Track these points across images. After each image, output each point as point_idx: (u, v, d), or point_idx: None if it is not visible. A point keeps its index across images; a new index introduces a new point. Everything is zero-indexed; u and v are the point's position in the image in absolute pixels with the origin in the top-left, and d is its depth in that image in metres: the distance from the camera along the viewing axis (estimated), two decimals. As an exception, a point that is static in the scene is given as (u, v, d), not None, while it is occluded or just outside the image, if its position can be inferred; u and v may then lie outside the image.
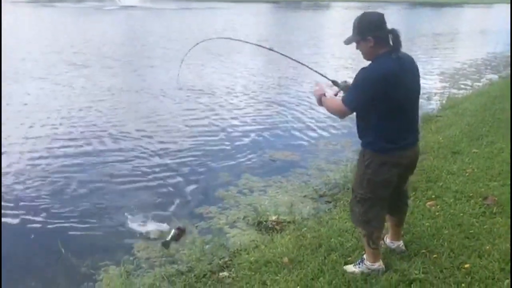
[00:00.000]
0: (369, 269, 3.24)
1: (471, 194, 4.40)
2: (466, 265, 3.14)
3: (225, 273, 3.93)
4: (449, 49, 20.35)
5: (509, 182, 4.58)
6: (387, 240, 3.57)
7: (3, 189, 5.62)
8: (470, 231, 3.66)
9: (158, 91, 11.32)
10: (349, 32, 3.03)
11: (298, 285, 3.24)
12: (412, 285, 3.02)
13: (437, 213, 4.11)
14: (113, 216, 5.09)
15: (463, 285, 2.94)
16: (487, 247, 3.35)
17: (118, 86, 11.81)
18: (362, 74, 2.88)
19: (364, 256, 3.31)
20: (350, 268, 3.32)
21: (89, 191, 5.75)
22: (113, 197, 5.58)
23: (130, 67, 14.81)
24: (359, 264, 3.30)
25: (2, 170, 6.15)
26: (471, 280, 2.98)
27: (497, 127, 6.79)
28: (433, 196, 4.52)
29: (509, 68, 14.93)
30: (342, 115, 3.05)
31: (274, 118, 9.39)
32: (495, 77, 13.51)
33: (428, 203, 4.35)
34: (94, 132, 8.11)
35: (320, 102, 3.22)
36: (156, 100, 10.63)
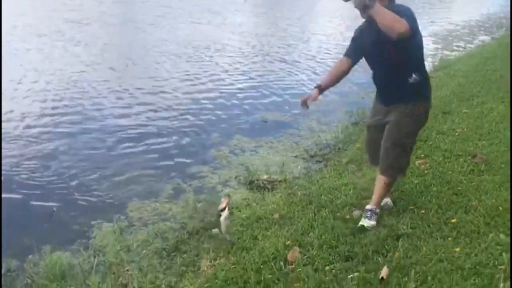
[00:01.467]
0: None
1: (460, 153, 4.45)
2: (453, 220, 3.21)
3: (217, 230, 3.99)
4: (442, 11, 20.14)
5: (497, 142, 4.63)
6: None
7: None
8: (458, 188, 3.72)
9: (155, 48, 11.17)
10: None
11: (288, 239, 3.30)
12: (400, 240, 3.09)
13: (426, 171, 4.17)
14: (105, 177, 5.10)
15: (449, 239, 3.01)
16: (474, 203, 3.42)
17: (115, 43, 11.63)
18: (408, 9, 2.90)
19: (372, 207, 3.35)
20: (370, 223, 3.33)
21: (83, 153, 5.74)
22: (106, 159, 5.58)
23: (130, 24, 14.51)
24: (373, 216, 3.35)
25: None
26: (457, 234, 3.05)
27: (488, 88, 6.81)
28: (422, 155, 4.57)
29: (503, 30, 14.87)
30: (401, 28, 2.71)
31: (266, 78, 9.34)
32: (487, 38, 13.47)
33: (418, 161, 4.41)
34: (89, 91, 8.02)
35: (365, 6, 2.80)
36: (152, 59, 10.49)
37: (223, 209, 3.38)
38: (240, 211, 4.16)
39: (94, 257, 3.65)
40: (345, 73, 3.39)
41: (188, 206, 4.43)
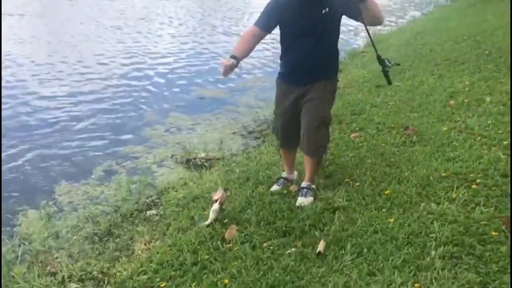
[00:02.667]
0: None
1: (392, 125, 4.54)
2: (387, 192, 3.26)
3: (153, 211, 3.87)
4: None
5: (427, 114, 4.77)
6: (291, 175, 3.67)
7: None
8: (391, 160, 3.79)
9: (86, 22, 10.62)
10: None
11: (226, 218, 3.23)
12: (336, 213, 3.10)
13: (360, 144, 4.22)
14: (31, 159, 4.80)
15: (383, 210, 3.06)
16: (406, 174, 3.49)
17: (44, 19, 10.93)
18: None
19: (307, 184, 3.36)
20: (306, 200, 3.31)
21: (4, 133, 5.34)
22: (31, 139, 5.24)
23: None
24: (308, 192, 3.34)
25: None
26: (391, 205, 3.10)
27: (418, 61, 7.01)
28: (357, 128, 4.63)
29: (431, 6, 15.39)
30: (383, 18, 3.06)
31: (202, 55, 9.13)
32: (418, 13, 13.88)
33: (352, 135, 4.46)
34: (12, 66, 7.49)
35: None
36: (83, 32, 9.96)
37: (215, 201, 3.18)
38: (176, 191, 4.05)
39: (19, 246, 3.42)
40: (257, 42, 3.16)
41: (121, 188, 4.25)
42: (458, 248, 2.56)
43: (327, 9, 2.96)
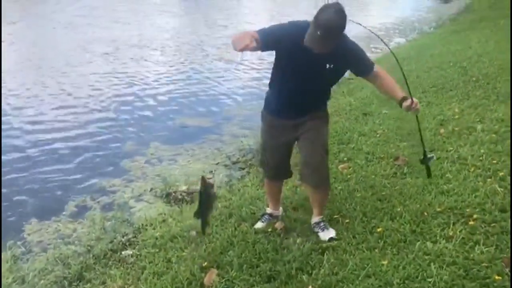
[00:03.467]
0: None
1: (382, 155, 4.35)
2: (379, 229, 3.04)
3: (128, 252, 3.59)
4: (360, 14, 20.73)
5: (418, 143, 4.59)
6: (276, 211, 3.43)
7: None
8: (382, 193, 3.58)
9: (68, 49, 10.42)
10: None
11: (205, 261, 2.97)
12: (325, 253, 2.87)
13: (349, 176, 4.01)
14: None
15: (376, 250, 2.83)
16: (399, 209, 3.28)
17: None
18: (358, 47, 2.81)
19: (320, 218, 3.18)
20: (330, 232, 3.10)
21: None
22: (2, 174, 4.93)
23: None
24: (326, 226, 3.16)
25: None
26: (384, 244, 2.88)
27: (405, 88, 6.86)
28: (345, 159, 4.43)
29: (415, 32, 15.52)
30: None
31: (185, 82, 8.94)
32: (402, 40, 13.93)
33: (340, 166, 4.25)
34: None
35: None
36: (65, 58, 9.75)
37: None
38: (154, 228, 3.79)
39: (-21, 294, 3.12)
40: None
41: (95, 226, 3.98)
42: (459, 295, 2.34)
43: (332, 65, 2.72)
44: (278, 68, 2.86)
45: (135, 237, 3.80)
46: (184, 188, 4.60)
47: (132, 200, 4.49)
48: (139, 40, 12.43)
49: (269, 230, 3.25)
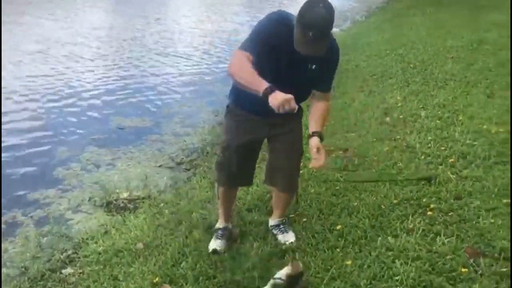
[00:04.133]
0: None
1: (332, 148, 4.26)
2: (338, 227, 2.92)
3: (69, 270, 3.26)
4: (292, 5, 20.85)
5: (365, 133, 4.55)
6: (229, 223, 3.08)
7: None
8: (336, 188, 3.48)
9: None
10: None
11: (156, 276, 2.72)
12: (285, 257, 2.71)
13: (301, 171, 3.86)
14: None
15: (337, 249, 2.70)
16: (355, 204, 3.19)
17: None
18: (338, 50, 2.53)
19: (282, 221, 3.00)
20: (291, 235, 2.91)
21: None
22: None
23: None
24: (289, 226, 2.99)
25: None
26: (345, 243, 2.76)
27: (346, 78, 6.89)
28: (295, 153, 4.29)
29: (348, 22, 15.76)
30: None
31: (122, 80, 8.50)
32: (336, 30, 14.06)
33: (291, 161, 4.11)
34: None
35: None
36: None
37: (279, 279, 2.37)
38: (96, 242, 3.46)
39: None
40: None
41: (29, 244, 3.59)
42: (428, 292, 2.25)
43: (314, 66, 2.40)
44: (257, 65, 2.33)
45: (75, 253, 3.46)
46: (125, 195, 4.28)
47: (69, 211, 4.11)
48: (72, 37, 11.73)
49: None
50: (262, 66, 2.29)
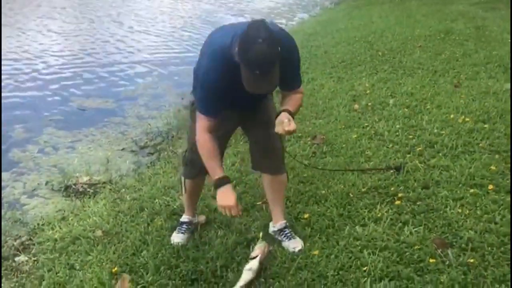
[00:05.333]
0: None
1: (300, 134, 4.18)
2: (305, 215, 2.86)
3: (22, 258, 3.08)
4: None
5: (333, 120, 4.50)
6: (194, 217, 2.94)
7: None
8: (304, 175, 3.41)
9: None
10: None
11: (116, 265, 2.60)
12: (251, 246, 2.62)
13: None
14: None
15: (304, 239, 2.64)
16: (323, 192, 3.13)
17: None
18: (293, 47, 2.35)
19: (287, 223, 2.72)
20: (299, 242, 2.64)
21: None
22: None
23: None
24: (293, 236, 2.68)
25: None
26: (312, 232, 2.70)
27: (315, 64, 6.81)
28: (262, 139, 4.20)
29: (318, 8, 15.70)
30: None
31: (83, 59, 8.18)
32: (306, 16, 13.98)
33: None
34: None
35: None
36: None
37: (253, 258, 2.38)
38: (53, 228, 3.29)
39: None
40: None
41: (-20, 231, 3.38)
42: (396, 283, 2.23)
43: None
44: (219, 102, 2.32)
45: (30, 239, 3.27)
46: (85, 179, 4.09)
47: (24, 196, 3.91)
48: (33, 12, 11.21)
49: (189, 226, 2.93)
50: (225, 98, 2.25)
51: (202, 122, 2.29)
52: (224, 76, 2.18)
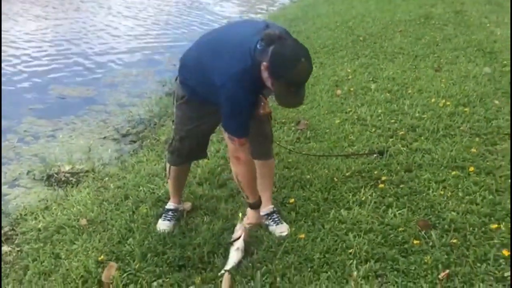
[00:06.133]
0: None
1: (283, 120, 4.19)
2: (291, 200, 2.87)
3: (5, 248, 3.03)
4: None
5: (317, 105, 4.51)
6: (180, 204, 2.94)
7: None
8: (289, 160, 3.42)
9: None
10: None
11: (101, 253, 2.58)
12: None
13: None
14: None
15: (290, 223, 2.65)
16: (308, 176, 3.14)
17: None
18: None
19: (273, 207, 2.73)
20: (286, 227, 2.64)
21: None
22: None
23: None
24: (280, 219, 2.69)
25: None
26: (297, 216, 2.72)
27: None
28: (246, 125, 4.20)
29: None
30: None
31: (61, 46, 8.02)
32: (287, 1, 13.92)
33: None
34: None
35: None
36: None
37: (237, 239, 2.42)
38: (36, 218, 3.25)
39: None
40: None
41: (-39, 222, 3.32)
42: (381, 264, 2.26)
43: None
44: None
45: (13, 229, 3.23)
46: (67, 168, 4.04)
47: (5, 186, 3.84)
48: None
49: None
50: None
51: (241, 142, 2.33)
52: (250, 96, 2.26)
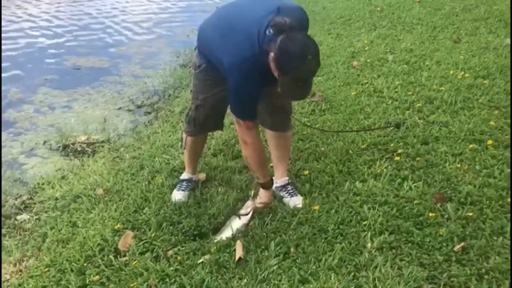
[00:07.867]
0: None
1: (298, 92, 4.14)
2: (306, 172, 2.87)
3: (24, 216, 3.10)
4: None
5: (332, 77, 4.46)
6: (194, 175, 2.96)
7: None
8: (303, 133, 3.40)
9: None
10: None
11: (118, 221, 2.62)
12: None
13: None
14: None
15: (305, 194, 2.65)
16: (323, 149, 3.13)
17: None
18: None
19: (289, 180, 2.75)
20: (300, 199, 2.65)
21: None
22: None
23: None
24: (294, 190, 2.71)
25: None
26: (312, 188, 2.72)
27: (313, 20, 6.55)
28: (260, 97, 4.17)
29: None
30: None
31: (76, 17, 8.00)
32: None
33: (257, 105, 3.99)
34: None
35: None
36: None
37: (246, 215, 2.46)
38: (53, 187, 3.31)
39: None
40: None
41: (-20, 190, 3.39)
42: (395, 236, 2.26)
43: None
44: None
45: (31, 198, 3.30)
46: (83, 138, 4.08)
47: (22, 156, 3.90)
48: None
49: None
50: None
51: (246, 124, 2.31)
52: (257, 82, 2.21)
